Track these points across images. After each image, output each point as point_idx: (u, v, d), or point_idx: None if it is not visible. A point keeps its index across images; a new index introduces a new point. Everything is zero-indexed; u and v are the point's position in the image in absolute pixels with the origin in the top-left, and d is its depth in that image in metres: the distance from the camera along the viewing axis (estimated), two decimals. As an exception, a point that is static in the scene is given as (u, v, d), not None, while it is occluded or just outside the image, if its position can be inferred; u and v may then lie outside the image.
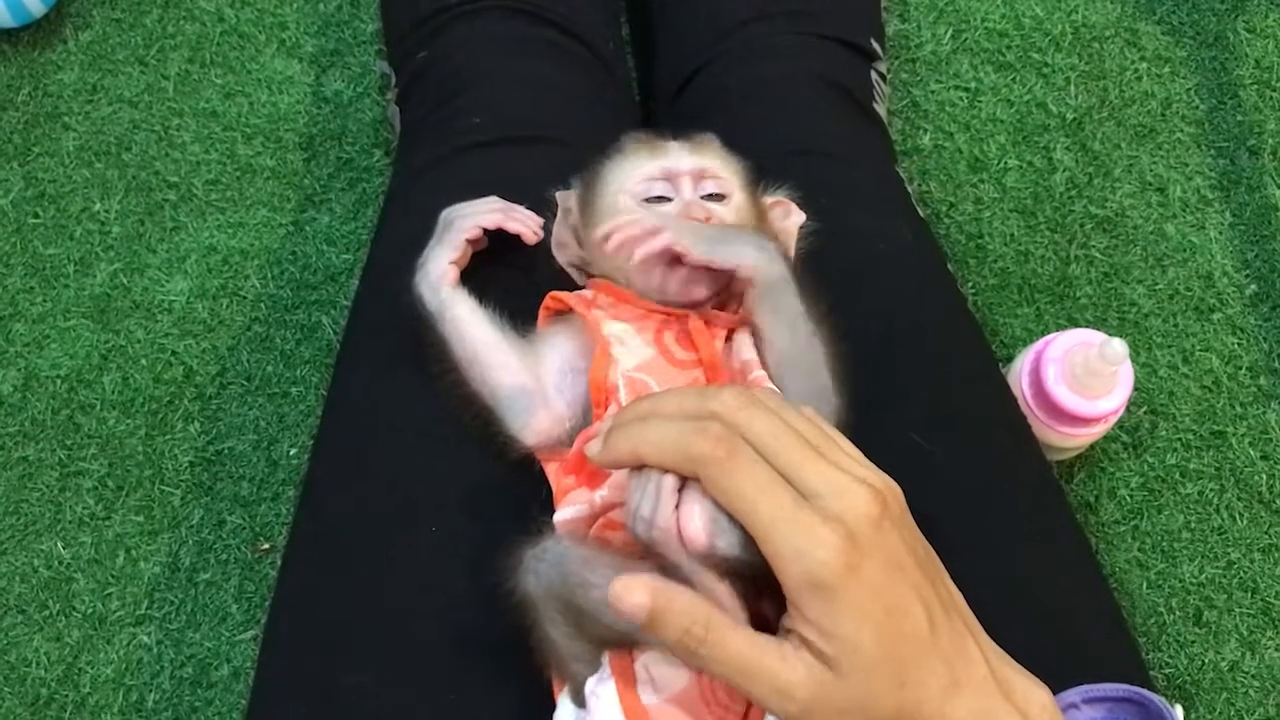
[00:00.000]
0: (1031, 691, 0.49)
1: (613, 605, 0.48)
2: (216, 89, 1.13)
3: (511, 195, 0.73)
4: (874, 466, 0.49)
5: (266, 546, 0.96)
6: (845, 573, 0.45)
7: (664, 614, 0.47)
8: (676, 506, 0.49)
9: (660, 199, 0.67)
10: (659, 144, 0.68)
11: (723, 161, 0.68)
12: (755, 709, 0.55)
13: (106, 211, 1.08)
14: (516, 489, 0.66)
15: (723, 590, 0.50)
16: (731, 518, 0.47)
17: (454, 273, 0.68)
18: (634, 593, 0.47)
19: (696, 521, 0.48)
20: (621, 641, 0.55)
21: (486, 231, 0.70)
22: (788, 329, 0.63)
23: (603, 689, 0.55)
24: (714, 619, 0.47)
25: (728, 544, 0.48)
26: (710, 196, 0.67)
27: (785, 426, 0.48)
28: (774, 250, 0.63)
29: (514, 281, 0.71)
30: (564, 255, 0.72)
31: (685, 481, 0.49)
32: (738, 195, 0.68)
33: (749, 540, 0.47)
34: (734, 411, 0.47)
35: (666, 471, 0.49)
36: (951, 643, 0.47)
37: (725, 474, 0.46)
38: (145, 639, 0.94)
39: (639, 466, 0.50)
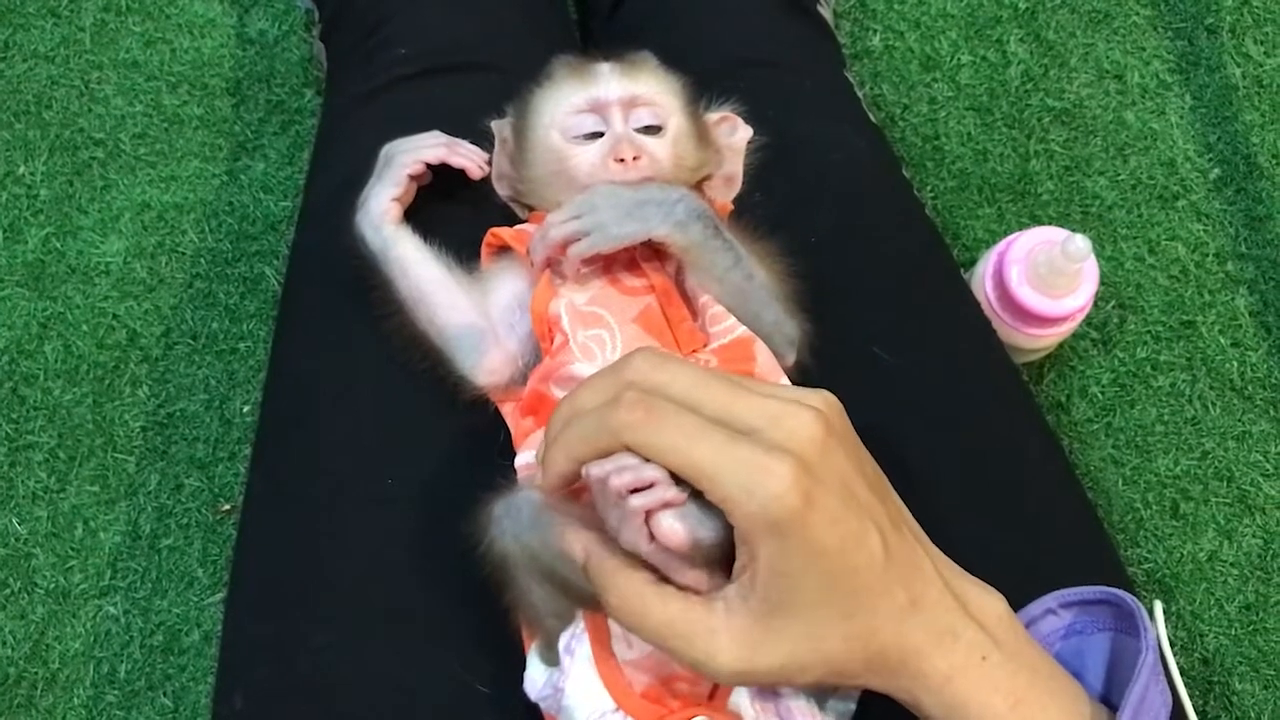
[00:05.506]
0: (986, 601, 0.48)
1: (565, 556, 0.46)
2: (136, 37, 1.08)
3: (444, 128, 0.70)
4: (807, 389, 0.47)
5: (228, 507, 0.94)
6: (802, 505, 0.42)
7: (595, 576, 0.47)
8: (648, 516, 0.46)
9: (591, 135, 0.64)
10: (588, 69, 0.65)
11: (658, 83, 0.65)
12: None
13: (32, 174, 1.04)
14: (472, 433, 0.64)
15: (695, 577, 0.47)
16: (704, 506, 0.45)
17: (396, 210, 0.66)
18: (573, 550, 0.47)
19: (674, 527, 0.45)
20: (599, 605, 0.54)
21: (430, 167, 0.68)
22: (716, 283, 0.61)
23: (577, 644, 0.54)
24: (636, 590, 0.46)
25: (709, 531, 0.45)
26: (644, 129, 0.64)
27: (707, 374, 0.46)
28: (685, 211, 0.60)
29: (461, 218, 0.69)
30: (504, 188, 0.69)
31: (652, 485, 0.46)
32: (675, 121, 0.65)
33: (722, 517, 0.45)
34: (648, 373, 0.45)
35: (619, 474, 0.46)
36: (906, 561, 0.46)
37: (651, 432, 0.44)
38: (112, 610, 0.92)
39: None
